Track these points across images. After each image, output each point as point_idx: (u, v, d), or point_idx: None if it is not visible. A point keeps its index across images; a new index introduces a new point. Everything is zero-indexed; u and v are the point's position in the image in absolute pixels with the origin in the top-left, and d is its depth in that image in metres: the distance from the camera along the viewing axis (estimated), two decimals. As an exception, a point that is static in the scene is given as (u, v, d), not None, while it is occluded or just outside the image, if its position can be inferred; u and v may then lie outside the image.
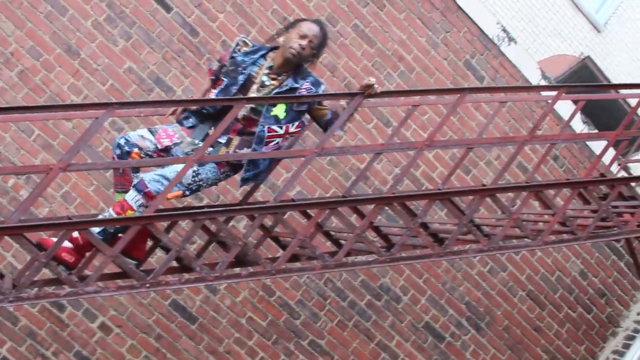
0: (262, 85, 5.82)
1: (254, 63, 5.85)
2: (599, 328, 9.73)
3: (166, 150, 5.78)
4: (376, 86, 5.94)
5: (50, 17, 7.83)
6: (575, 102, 7.84)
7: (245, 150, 5.81)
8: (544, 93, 8.01)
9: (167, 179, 5.56)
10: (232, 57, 5.87)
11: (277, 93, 5.80)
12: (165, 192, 5.55)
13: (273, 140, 5.81)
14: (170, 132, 5.82)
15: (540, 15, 9.63)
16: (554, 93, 6.88)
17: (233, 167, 5.88)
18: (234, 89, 5.79)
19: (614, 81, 9.97)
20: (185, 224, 7.72)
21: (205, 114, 5.84)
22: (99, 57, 7.95)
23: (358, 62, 8.69)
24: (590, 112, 9.39)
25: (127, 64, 8.03)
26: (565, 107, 8.99)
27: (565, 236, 7.12)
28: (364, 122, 8.70)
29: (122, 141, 5.74)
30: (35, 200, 5.36)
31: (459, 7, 9.00)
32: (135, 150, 5.72)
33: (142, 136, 5.78)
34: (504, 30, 9.17)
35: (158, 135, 5.78)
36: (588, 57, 9.59)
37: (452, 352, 9.20)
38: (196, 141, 5.79)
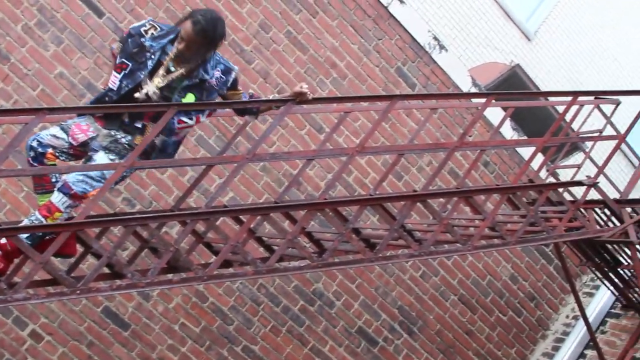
0: (168, 71, 5.70)
1: (162, 49, 5.67)
2: (529, 331, 9.88)
3: (83, 145, 5.67)
4: (308, 93, 5.97)
5: (-20, 22, 7.75)
6: (504, 109, 7.96)
7: (159, 138, 5.74)
8: (474, 100, 8.13)
9: (91, 177, 5.49)
10: (138, 40, 5.68)
11: (187, 85, 5.68)
12: (97, 197, 5.53)
13: (183, 131, 5.78)
14: (84, 127, 5.67)
15: (472, 24, 9.75)
16: (483, 100, 7.00)
17: (146, 154, 5.79)
18: (142, 74, 5.64)
19: (544, 89, 10.14)
20: (117, 230, 7.68)
21: (108, 101, 5.65)
22: (30, 61, 7.88)
23: (291, 68, 8.73)
24: (521, 119, 9.55)
25: (58, 69, 7.96)
26: (495, 114, 9.13)
27: (495, 241, 7.25)
28: (297, 129, 8.74)
29: (34, 143, 5.62)
30: (-38, 206, 5.30)
31: (391, 15, 9.10)
32: (50, 150, 5.61)
33: (54, 135, 5.65)
34: (435, 38, 9.28)
35: (71, 132, 5.65)
36: (517, 65, 9.74)
37: (385, 356, 9.26)
38: (112, 132, 5.68)
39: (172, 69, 5.67)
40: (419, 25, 9.24)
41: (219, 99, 5.91)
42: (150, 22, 5.76)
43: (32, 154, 5.62)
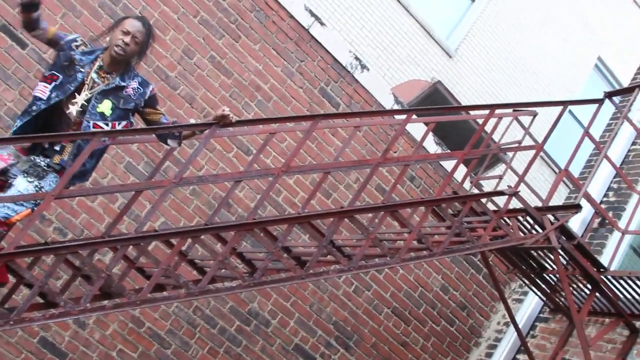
0: (92, 84, 5.85)
1: (90, 64, 5.87)
2: (462, 339, 10.09)
3: (3, 172, 5.73)
4: (231, 115, 6.11)
5: None
6: (426, 124, 8.18)
7: (75, 143, 5.80)
8: (396, 117, 8.33)
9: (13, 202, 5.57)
10: (68, 53, 5.84)
11: (103, 90, 5.84)
12: (26, 227, 5.58)
13: (101, 138, 5.87)
14: (5, 156, 5.76)
15: (395, 43, 9.99)
16: (405, 116, 7.20)
17: (76, 176, 5.89)
18: (71, 87, 5.79)
19: (466, 104, 10.39)
20: (49, 260, 7.71)
21: (36, 109, 5.74)
22: (-46, 96, 7.91)
23: (216, 92, 8.86)
24: (444, 134, 9.78)
25: (-17, 103, 8.00)
26: (418, 130, 9.36)
27: (423, 253, 7.41)
28: (225, 151, 8.86)
29: None
30: None
31: (312, 37, 9.29)
32: None
33: None
34: (357, 58, 9.49)
35: None
36: (439, 82, 9.99)
37: (323, 372, 9.40)
38: (32, 157, 5.78)
39: (97, 80, 5.82)
40: (340, 46, 9.45)
41: (138, 119, 6.03)
42: (81, 39, 5.97)
43: (-49, 184, 5.68)
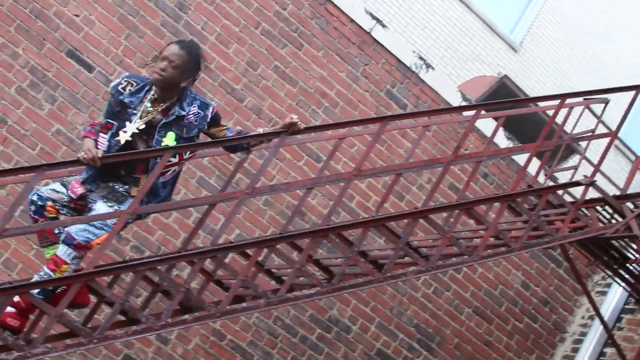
0: (146, 113, 5.83)
1: (141, 101, 5.84)
2: (546, 336, 9.94)
3: (82, 198, 5.81)
4: (299, 123, 6.09)
5: (-26, 89, 7.91)
6: (496, 119, 8.08)
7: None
8: (464, 113, 8.25)
9: (93, 225, 5.62)
10: (118, 98, 5.83)
11: (165, 123, 5.80)
12: (104, 246, 5.64)
13: (169, 170, 5.88)
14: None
15: (458, 41, 9.89)
16: (474, 112, 7.13)
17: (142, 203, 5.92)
18: (130, 130, 5.79)
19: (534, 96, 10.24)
20: (128, 278, 7.78)
21: (100, 165, 5.72)
22: (26, 122, 8.03)
23: (282, 102, 8.88)
24: (514, 128, 9.65)
25: (55, 127, 8.12)
26: (488, 126, 9.25)
27: (500, 249, 7.33)
28: (295, 160, 8.87)
29: (34, 197, 5.77)
30: (-26, 268, 5.42)
31: (375, 40, 9.25)
32: (49, 203, 5.77)
33: (54, 189, 5.81)
34: (421, 58, 9.43)
35: (71, 186, 5.81)
36: (505, 76, 9.86)
37: (407, 376, 9.34)
38: (110, 184, 5.83)
39: (150, 108, 5.83)
40: (403, 47, 9.40)
41: (202, 136, 6.04)
42: (125, 79, 5.93)
43: (32, 207, 5.78)
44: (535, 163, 8.33)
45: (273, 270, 7.18)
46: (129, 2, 8.41)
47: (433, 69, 9.50)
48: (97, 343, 5.77)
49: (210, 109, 5.97)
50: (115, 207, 5.73)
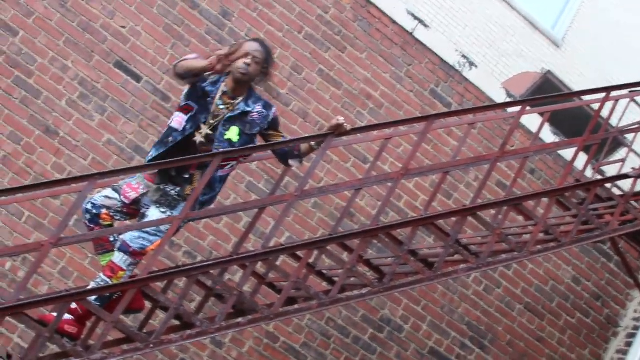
0: (218, 111, 5.95)
1: (217, 92, 5.97)
2: (599, 330, 9.90)
3: (135, 202, 5.92)
4: (345, 124, 6.15)
5: (26, 102, 8.07)
6: (541, 115, 8.08)
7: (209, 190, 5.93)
8: (509, 109, 8.26)
9: (147, 232, 5.72)
10: (202, 85, 5.97)
11: (229, 117, 5.94)
12: (158, 252, 5.75)
13: (228, 164, 5.97)
14: (135, 185, 5.94)
15: (500, 38, 9.88)
16: (519, 108, 7.13)
17: (204, 203, 6.02)
18: (202, 118, 5.91)
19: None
20: (181, 283, 7.88)
21: (172, 141, 5.90)
22: (78, 133, 8.18)
23: (328, 105, 8.94)
24: (559, 123, 9.62)
25: (105, 137, 8.26)
26: (533, 122, 9.24)
27: (550, 244, 7.33)
28: (342, 162, 8.93)
29: (88, 206, 5.88)
30: (31, 277, 5.54)
31: (417, 40, 9.29)
32: (104, 211, 5.88)
33: (106, 196, 5.91)
34: (464, 57, 9.45)
35: (123, 191, 5.92)
36: (549, 72, 9.84)
37: (460, 373, 9.36)
38: (161, 186, 5.92)
39: (222, 106, 5.94)
40: (446, 46, 9.43)
41: (259, 138, 6.13)
42: None
43: (87, 216, 5.89)
44: (582, 157, 8.31)
45: (324, 271, 7.25)
46: (173, 11, 8.54)
47: (476, 67, 9.52)
48: (153, 348, 5.87)
49: (273, 110, 6.13)
50: (168, 213, 5.83)
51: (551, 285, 9.71)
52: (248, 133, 6.02)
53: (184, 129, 5.89)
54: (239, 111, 5.97)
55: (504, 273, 9.50)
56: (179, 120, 5.95)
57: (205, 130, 5.92)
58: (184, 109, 5.98)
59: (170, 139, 5.91)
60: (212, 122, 5.94)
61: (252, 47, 6.02)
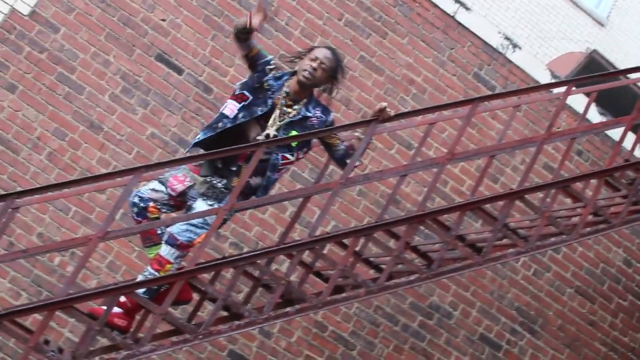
0: (282, 113, 5.96)
1: (279, 89, 5.96)
2: (652, 313, 9.77)
3: (181, 195, 5.91)
4: (388, 109, 6.10)
5: (69, 97, 8.13)
6: (587, 95, 7.96)
7: (257, 179, 5.92)
8: (556, 91, 8.14)
9: (194, 225, 5.72)
10: (262, 77, 5.95)
11: (290, 122, 5.92)
12: (204, 244, 5.74)
13: (285, 167, 5.98)
14: (181, 177, 5.92)
15: (543, 19, 9.77)
16: (564, 89, 7.03)
17: (245, 194, 6.01)
18: (258, 110, 5.89)
19: (625, 69, 10.06)
20: (228, 274, 7.88)
21: (221, 127, 5.88)
22: (121, 127, 8.22)
23: (370, 92, 8.89)
24: (606, 103, 9.49)
25: (149, 130, 8.29)
26: (580, 102, 9.10)
27: (600, 226, 7.22)
28: (386, 149, 8.87)
29: (136, 199, 5.88)
30: (79, 272, 5.57)
31: (459, 23, 9.19)
32: (151, 204, 5.87)
33: (153, 189, 5.90)
34: (507, 38, 9.34)
35: (169, 183, 5.90)
36: (594, 51, 9.71)
37: (511, 359, 9.26)
38: (208, 178, 5.92)
39: (286, 109, 5.92)
40: (488, 28, 9.32)
41: (317, 142, 6.14)
42: (275, 62, 6.02)
43: (135, 209, 5.89)
44: (631, 137, 8.19)
45: (371, 259, 7.20)
46: (213, 3, 8.53)
47: (520, 48, 9.39)
48: (202, 339, 5.88)
49: (332, 115, 6.11)
50: (215, 206, 5.83)
51: (602, 268, 9.58)
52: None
53: (236, 116, 5.88)
54: (299, 116, 5.96)
55: (553, 257, 9.39)
56: (231, 107, 5.93)
57: (271, 131, 5.89)
58: (238, 98, 5.95)
59: (220, 124, 5.90)
60: (278, 122, 5.91)
61: (321, 52, 6.01)
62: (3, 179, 7.96)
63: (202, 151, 5.89)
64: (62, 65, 8.14)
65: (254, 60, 5.95)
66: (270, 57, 6.03)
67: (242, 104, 5.91)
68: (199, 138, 5.93)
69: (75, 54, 8.18)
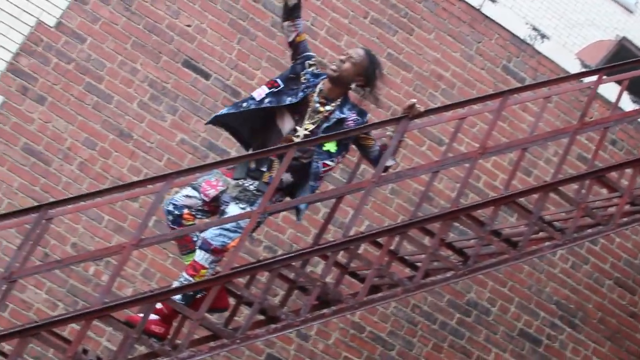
0: (314, 110, 5.94)
1: (314, 86, 5.96)
2: (694, 302, 9.63)
3: (215, 199, 5.91)
4: (418, 106, 6.06)
5: (98, 107, 8.14)
6: (619, 83, 7.86)
7: (288, 175, 5.91)
8: (586, 80, 8.05)
9: (227, 229, 5.71)
10: (299, 69, 5.98)
11: (326, 128, 5.89)
12: (238, 247, 5.72)
13: (326, 174, 5.96)
14: (214, 182, 5.93)
15: (570, 8, 9.70)
16: (595, 78, 6.95)
17: (282, 191, 5.99)
18: (286, 100, 5.88)
19: (656, 57, 9.94)
20: (264, 278, 7.86)
21: (245, 107, 5.90)
22: (151, 135, 8.22)
23: (399, 89, 8.83)
24: (639, 90, 9.38)
25: (178, 136, 8.28)
26: (611, 91, 8.99)
27: (638, 216, 7.13)
28: (417, 145, 8.81)
29: (170, 207, 5.89)
30: (114, 280, 5.58)
31: (486, 16, 9.10)
32: (185, 211, 5.88)
33: (187, 195, 5.91)
34: (535, 29, 9.24)
35: (202, 189, 5.91)
36: (624, 38, 9.61)
37: (552, 353, 9.16)
38: (240, 182, 5.90)
39: (318, 106, 5.90)
40: (515, 20, 9.23)
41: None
42: (316, 59, 6.06)
43: (170, 217, 5.90)
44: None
45: (406, 257, 7.15)
46: (237, 6, 8.51)
47: (548, 38, 9.29)
48: (240, 343, 5.87)
49: (368, 117, 6.08)
50: (247, 209, 5.81)
51: (641, 257, 9.48)
52: (344, 142, 6.01)
53: (262, 100, 5.89)
54: (334, 120, 5.94)
55: (591, 248, 9.28)
56: (260, 91, 5.96)
57: (302, 132, 5.88)
58: (269, 83, 5.99)
59: (245, 104, 5.93)
60: (309, 124, 5.89)
61: (352, 49, 6.08)
62: (35, 190, 7.99)
63: (223, 132, 5.94)
64: (89, 75, 8.16)
65: (297, 49, 5.99)
66: (313, 53, 6.08)
67: (271, 90, 5.92)
68: (221, 112, 5.96)
69: (103, 63, 8.20)
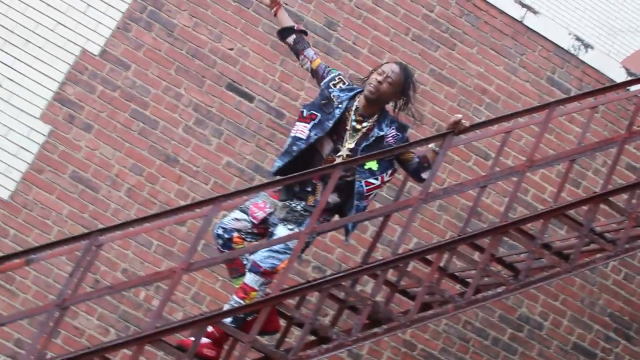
0: (354, 130, 5.93)
1: (348, 100, 5.96)
2: None
3: (263, 222, 5.92)
4: (463, 121, 6.03)
5: (144, 133, 8.21)
6: (666, 90, 7.77)
7: (334, 195, 5.90)
8: (633, 89, 7.97)
9: (276, 251, 5.72)
10: (326, 93, 5.99)
11: (365, 147, 5.89)
12: (287, 269, 5.72)
13: (372, 193, 5.93)
14: (261, 204, 5.97)
15: (612, 17, 9.62)
16: (641, 86, 6.88)
17: (329, 211, 5.99)
18: (329, 124, 5.90)
19: (703, 62, 9.83)
20: (314, 298, 7.85)
21: (296, 150, 5.92)
22: (197, 159, 8.26)
23: (443, 104, 8.80)
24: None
25: (224, 159, 8.32)
26: (659, 99, 8.91)
27: (692, 223, 7.03)
28: (463, 161, 8.77)
29: (219, 231, 5.93)
30: (165, 304, 5.60)
31: (528, 28, 9.05)
32: (235, 234, 5.91)
33: (236, 218, 5.94)
34: (578, 39, 9.17)
35: (251, 211, 5.94)
36: (669, 44, 9.52)
37: (608, 367, 9.05)
38: (287, 202, 5.91)
39: (355, 125, 5.90)
40: (558, 30, 9.16)
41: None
42: (339, 76, 6.08)
43: (220, 241, 5.93)
44: None
45: (457, 273, 7.12)
46: (278, 28, 8.52)
47: (592, 48, 9.21)
48: (292, 365, 5.85)
49: (409, 131, 6.06)
50: (295, 229, 5.82)
51: (695, 266, 9.33)
52: (386, 160, 5.98)
53: (308, 136, 5.89)
54: (373, 138, 5.94)
55: (644, 259, 9.17)
56: (301, 129, 5.95)
57: (345, 151, 5.89)
58: (307, 119, 5.98)
59: (295, 147, 5.92)
60: (350, 140, 5.89)
61: (389, 67, 6.02)
62: (85, 217, 8.07)
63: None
64: (135, 102, 8.24)
65: (317, 74, 6.09)
66: (333, 74, 6.08)
67: (312, 123, 5.92)
68: (277, 166, 5.95)
69: (147, 89, 8.27)
